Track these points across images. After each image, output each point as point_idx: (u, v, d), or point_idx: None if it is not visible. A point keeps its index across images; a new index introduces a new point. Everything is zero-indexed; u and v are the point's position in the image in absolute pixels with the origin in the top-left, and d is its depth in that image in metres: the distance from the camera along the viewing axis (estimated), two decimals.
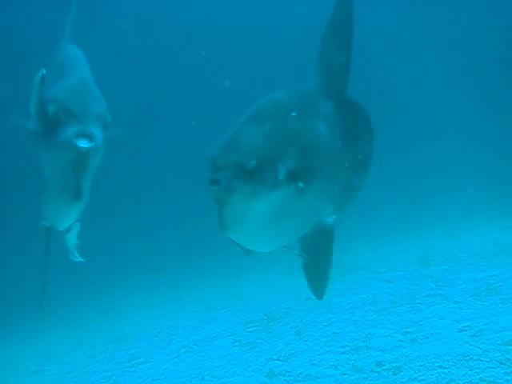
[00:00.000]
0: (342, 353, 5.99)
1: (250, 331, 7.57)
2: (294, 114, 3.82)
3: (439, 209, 13.21)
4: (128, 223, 17.73)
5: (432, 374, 4.88)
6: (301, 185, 3.78)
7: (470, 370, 4.75)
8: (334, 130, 4.07)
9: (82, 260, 3.94)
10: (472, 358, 5.00)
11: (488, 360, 4.89)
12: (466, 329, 5.71)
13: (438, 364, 5.05)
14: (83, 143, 3.04)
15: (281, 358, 6.29)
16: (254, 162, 3.42)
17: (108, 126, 3.19)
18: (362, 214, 13.13)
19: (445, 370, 4.87)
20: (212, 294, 10.25)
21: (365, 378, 5.21)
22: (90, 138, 3.04)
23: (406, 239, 11.28)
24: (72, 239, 3.86)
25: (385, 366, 5.37)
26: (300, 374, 5.74)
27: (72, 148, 3.04)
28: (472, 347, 5.22)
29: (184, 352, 7.33)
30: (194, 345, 7.54)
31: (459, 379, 4.68)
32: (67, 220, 3.69)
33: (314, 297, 3.97)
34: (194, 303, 9.88)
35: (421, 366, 5.13)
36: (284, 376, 5.80)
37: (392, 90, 22.56)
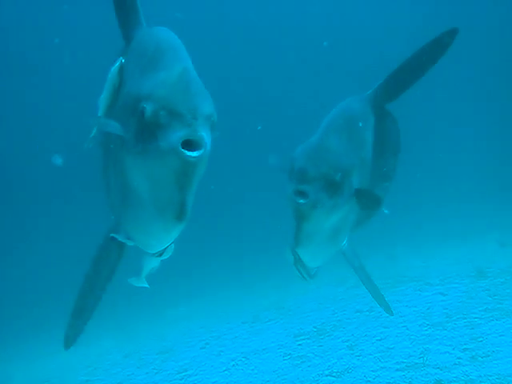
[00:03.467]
0: (398, 370, 5.79)
1: (299, 344, 7.43)
2: (360, 125, 3.82)
3: (490, 216, 12.78)
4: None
5: None
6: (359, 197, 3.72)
7: None
8: (372, 140, 4.07)
9: (146, 286, 3.43)
10: None
11: None
12: None
13: None
14: (192, 151, 2.40)
15: (333, 374, 6.13)
16: (340, 175, 3.36)
17: (215, 127, 2.56)
18: (411, 222, 12.88)
19: None
20: (259, 305, 10.14)
21: None
22: (199, 144, 2.41)
23: (457, 248, 10.93)
24: (155, 263, 3.32)
25: None
26: None
27: (178, 157, 2.38)
28: None
29: (233, 365, 7.24)
30: (243, 357, 7.44)
31: None
32: (162, 243, 3.09)
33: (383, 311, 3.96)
34: (241, 314, 9.79)
35: None
36: None
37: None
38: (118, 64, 3.08)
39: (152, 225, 2.80)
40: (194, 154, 2.39)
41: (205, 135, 2.42)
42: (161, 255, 3.20)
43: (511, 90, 20.48)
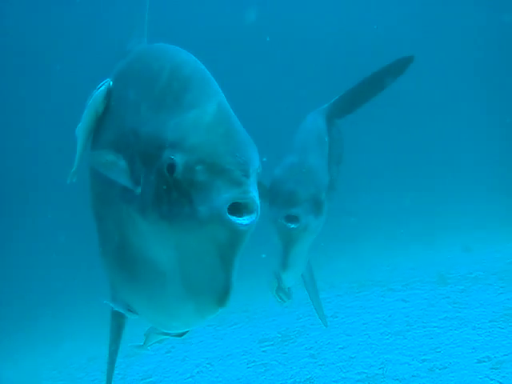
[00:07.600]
0: (358, 380, 5.92)
1: (264, 351, 7.51)
2: (326, 140, 3.87)
3: (454, 220, 13.01)
4: None
5: None
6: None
7: None
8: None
9: (148, 350, 2.98)
10: None
11: None
12: (486, 359, 5.62)
13: None
14: (240, 216, 1.78)
15: None
16: (324, 194, 3.35)
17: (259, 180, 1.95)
18: (378, 225, 13.06)
19: None
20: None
21: None
22: (250, 207, 1.80)
23: (421, 252, 11.14)
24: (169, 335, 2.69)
25: None
26: None
27: (223, 226, 1.76)
28: (492, 382, 5.13)
29: (198, 372, 7.29)
30: (207, 364, 7.49)
31: None
32: (188, 326, 2.39)
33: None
34: None
35: None
36: None
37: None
38: (104, 88, 2.43)
39: (177, 306, 2.11)
40: (245, 221, 1.78)
41: (256, 195, 1.81)
42: (181, 336, 2.55)
43: None
